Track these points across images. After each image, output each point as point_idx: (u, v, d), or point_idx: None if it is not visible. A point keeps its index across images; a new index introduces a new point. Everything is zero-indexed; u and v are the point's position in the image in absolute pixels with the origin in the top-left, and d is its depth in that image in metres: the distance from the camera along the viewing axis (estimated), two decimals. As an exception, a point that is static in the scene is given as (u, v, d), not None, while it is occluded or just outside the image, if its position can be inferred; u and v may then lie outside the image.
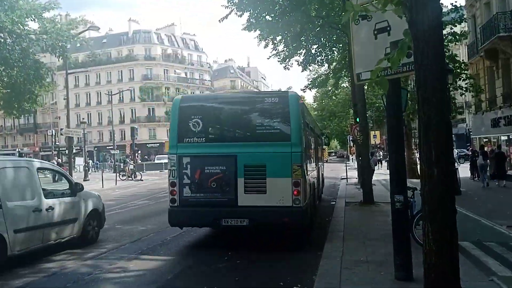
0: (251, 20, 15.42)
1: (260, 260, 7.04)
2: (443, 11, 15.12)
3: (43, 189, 7.58)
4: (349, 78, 25.23)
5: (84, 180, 26.87)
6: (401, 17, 3.65)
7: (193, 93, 67.74)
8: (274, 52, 18.16)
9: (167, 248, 8.19)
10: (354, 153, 37.05)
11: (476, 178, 20.44)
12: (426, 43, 3.42)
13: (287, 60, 18.49)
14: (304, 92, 24.61)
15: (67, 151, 30.88)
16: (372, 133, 43.63)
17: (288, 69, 20.41)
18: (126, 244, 8.65)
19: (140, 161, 51.40)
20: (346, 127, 63.14)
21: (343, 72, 22.15)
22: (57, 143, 50.22)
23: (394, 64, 3.50)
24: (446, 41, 17.50)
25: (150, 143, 61.77)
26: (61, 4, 21.47)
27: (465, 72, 20.10)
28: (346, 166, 26.53)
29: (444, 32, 16.14)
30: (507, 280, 5.45)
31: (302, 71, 21.22)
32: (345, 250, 7.20)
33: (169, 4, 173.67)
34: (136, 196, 18.78)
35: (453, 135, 20.58)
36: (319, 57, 19.72)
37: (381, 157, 39.32)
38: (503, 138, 21.73)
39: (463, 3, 24.27)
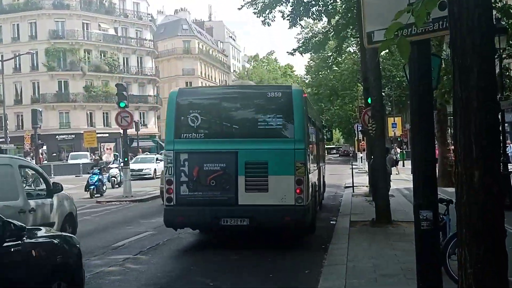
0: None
1: None
2: None
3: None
4: (357, 40, 25.41)
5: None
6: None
7: (127, 59, 66.97)
8: (249, -1, 18.11)
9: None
10: (364, 150, 37.51)
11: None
12: (465, -12, 3.46)
13: (267, 11, 18.45)
14: (293, 55, 24.53)
15: None
16: (390, 120, 44.33)
17: (269, 24, 20.33)
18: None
19: (46, 161, 50.49)
20: (353, 112, 63.96)
21: (348, 30, 22.27)
22: None
23: (420, 19, 3.52)
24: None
25: (61, 134, 60.63)
26: None
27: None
28: (352, 168, 26.85)
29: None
30: None
31: (289, 28, 21.04)
32: (349, 291, 7.29)
33: None
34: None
35: (505, 124, 21.06)
36: (315, 7, 19.75)
37: (397, 155, 39.94)
38: None
39: None
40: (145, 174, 36.62)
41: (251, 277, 8.75)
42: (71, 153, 54.28)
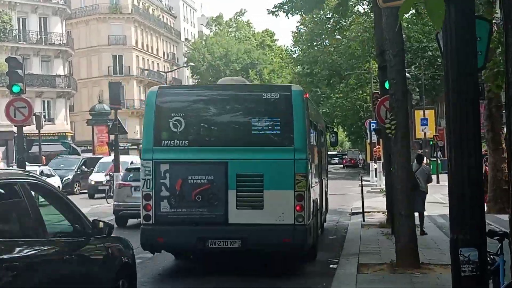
0: None
1: None
2: None
3: None
4: (371, -5, 25.70)
5: None
6: None
7: (24, 20, 66.33)
8: None
9: None
10: (379, 158, 37.68)
11: None
12: None
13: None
14: (276, 15, 24.34)
15: None
16: (418, 114, 44.13)
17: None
18: None
19: None
20: (364, 102, 63.75)
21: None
22: None
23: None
24: None
25: None
26: None
27: None
28: (361, 185, 26.83)
29: None
30: None
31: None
32: None
33: None
34: None
35: None
36: None
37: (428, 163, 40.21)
38: None
39: None
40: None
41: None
42: None
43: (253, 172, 12.84)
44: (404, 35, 15.73)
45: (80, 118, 76.35)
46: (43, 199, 8.54)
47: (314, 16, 44.52)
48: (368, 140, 45.04)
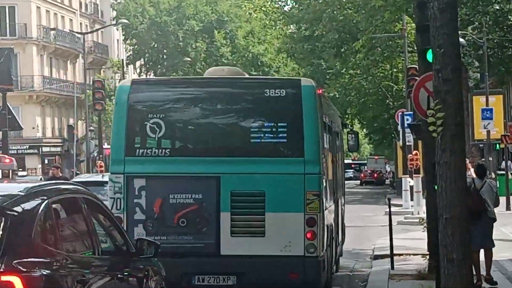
0: None
1: None
2: None
3: None
4: None
5: None
6: None
7: None
8: None
9: None
10: (417, 171, 37.87)
11: None
12: None
13: None
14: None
15: None
16: (478, 102, 44.33)
17: None
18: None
19: None
20: (392, 83, 64.12)
21: None
22: None
23: None
24: None
25: None
26: None
27: None
28: (390, 213, 26.97)
29: None
30: None
31: None
32: None
33: None
34: None
35: None
36: None
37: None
38: None
39: None
40: None
41: None
42: None
43: (252, 190, 13.73)
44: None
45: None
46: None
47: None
48: (400, 143, 45.36)
